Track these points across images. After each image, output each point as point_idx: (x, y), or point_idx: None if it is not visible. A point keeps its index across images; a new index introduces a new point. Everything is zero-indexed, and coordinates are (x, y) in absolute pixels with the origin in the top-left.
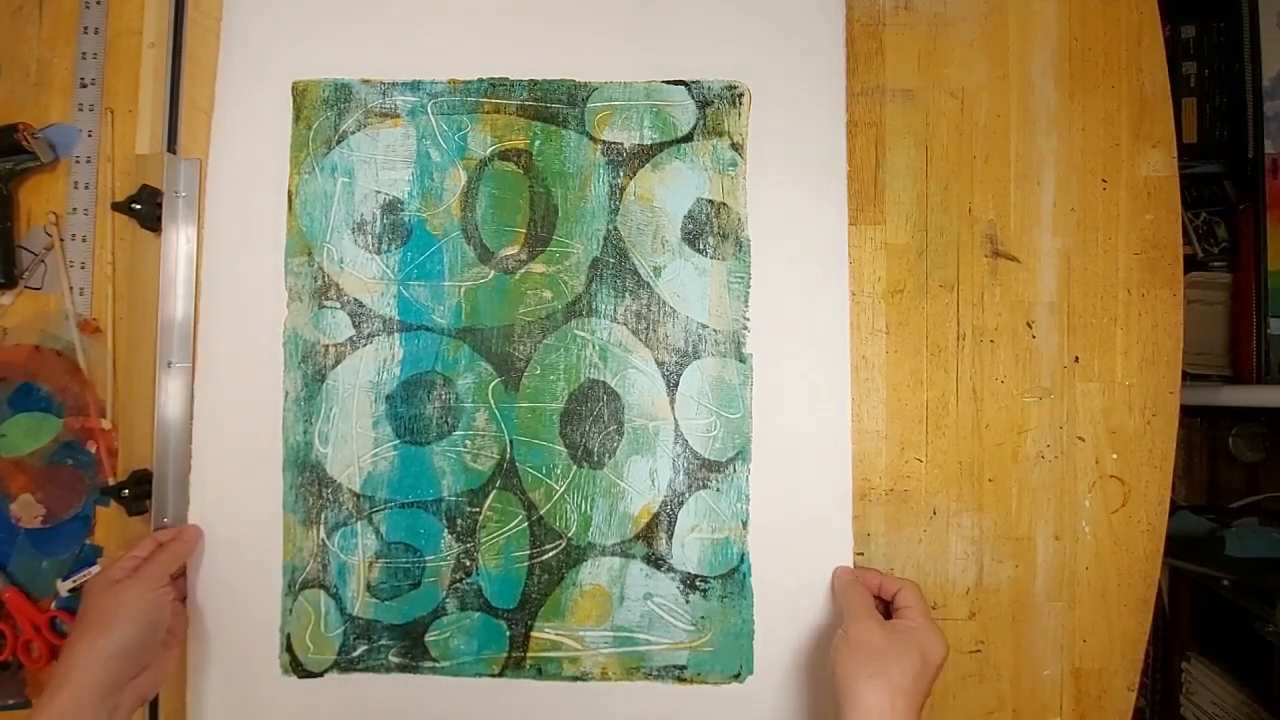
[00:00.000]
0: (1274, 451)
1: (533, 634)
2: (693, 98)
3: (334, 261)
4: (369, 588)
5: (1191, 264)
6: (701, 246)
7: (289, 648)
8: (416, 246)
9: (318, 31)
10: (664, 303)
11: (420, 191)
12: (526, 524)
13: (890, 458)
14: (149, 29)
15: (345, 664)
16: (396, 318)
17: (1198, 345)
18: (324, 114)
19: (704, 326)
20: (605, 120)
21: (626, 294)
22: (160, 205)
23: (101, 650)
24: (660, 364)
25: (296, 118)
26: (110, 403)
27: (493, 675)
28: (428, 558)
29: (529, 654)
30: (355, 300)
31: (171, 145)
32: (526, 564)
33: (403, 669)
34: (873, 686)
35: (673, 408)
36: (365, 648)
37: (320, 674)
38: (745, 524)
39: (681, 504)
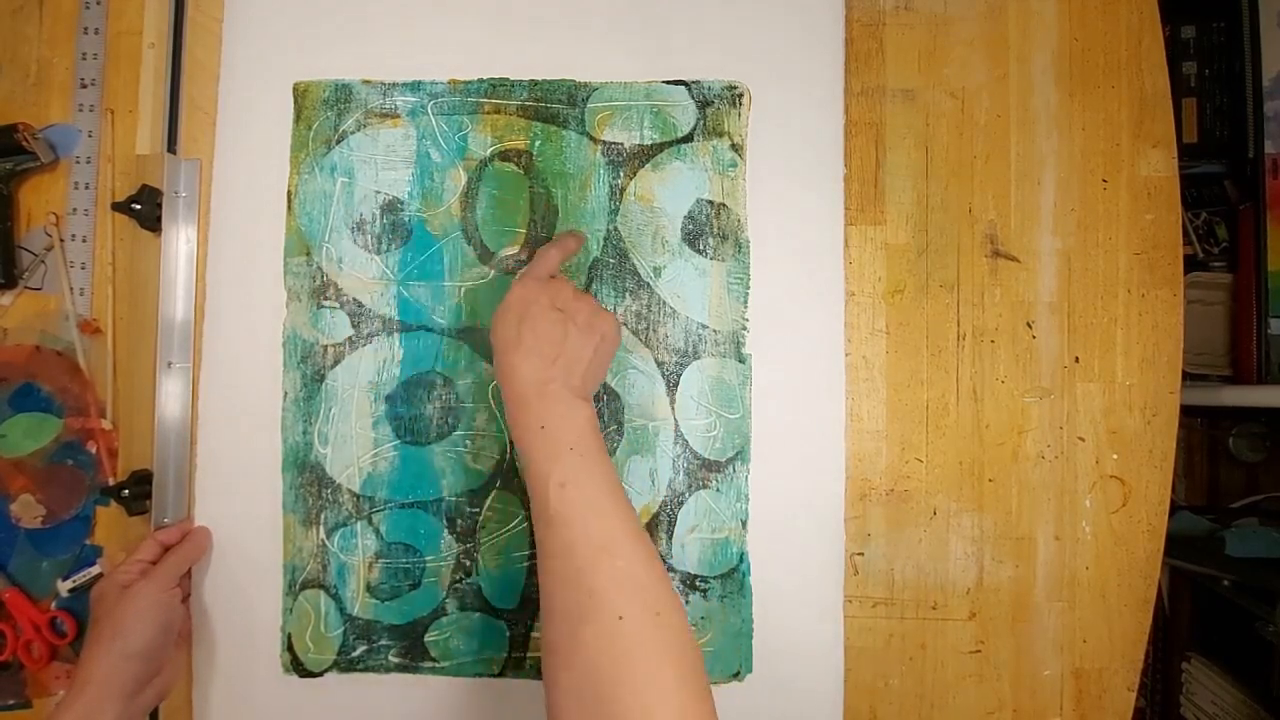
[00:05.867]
0: (1274, 451)
1: (533, 634)
2: (693, 98)
3: (333, 261)
4: (369, 588)
5: (1191, 264)
6: (701, 247)
7: (290, 647)
8: (416, 247)
9: (318, 32)
10: (664, 303)
11: (420, 192)
12: (526, 524)
13: (890, 458)
14: (149, 29)
15: (345, 664)
16: (396, 318)
17: (1198, 345)
18: (324, 114)
19: (704, 327)
20: (605, 120)
21: (626, 294)
22: (160, 205)
23: (120, 653)
24: (660, 364)
25: (297, 118)
26: (110, 403)
27: (493, 675)
28: (428, 558)
29: (529, 654)
30: (354, 300)
31: (171, 145)
32: (526, 564)
33: (402, 669)
34: None
35: (673, 408)
36: (365, 648)
37: (320, 674)
38: (744, 524)
39: (681, 504)
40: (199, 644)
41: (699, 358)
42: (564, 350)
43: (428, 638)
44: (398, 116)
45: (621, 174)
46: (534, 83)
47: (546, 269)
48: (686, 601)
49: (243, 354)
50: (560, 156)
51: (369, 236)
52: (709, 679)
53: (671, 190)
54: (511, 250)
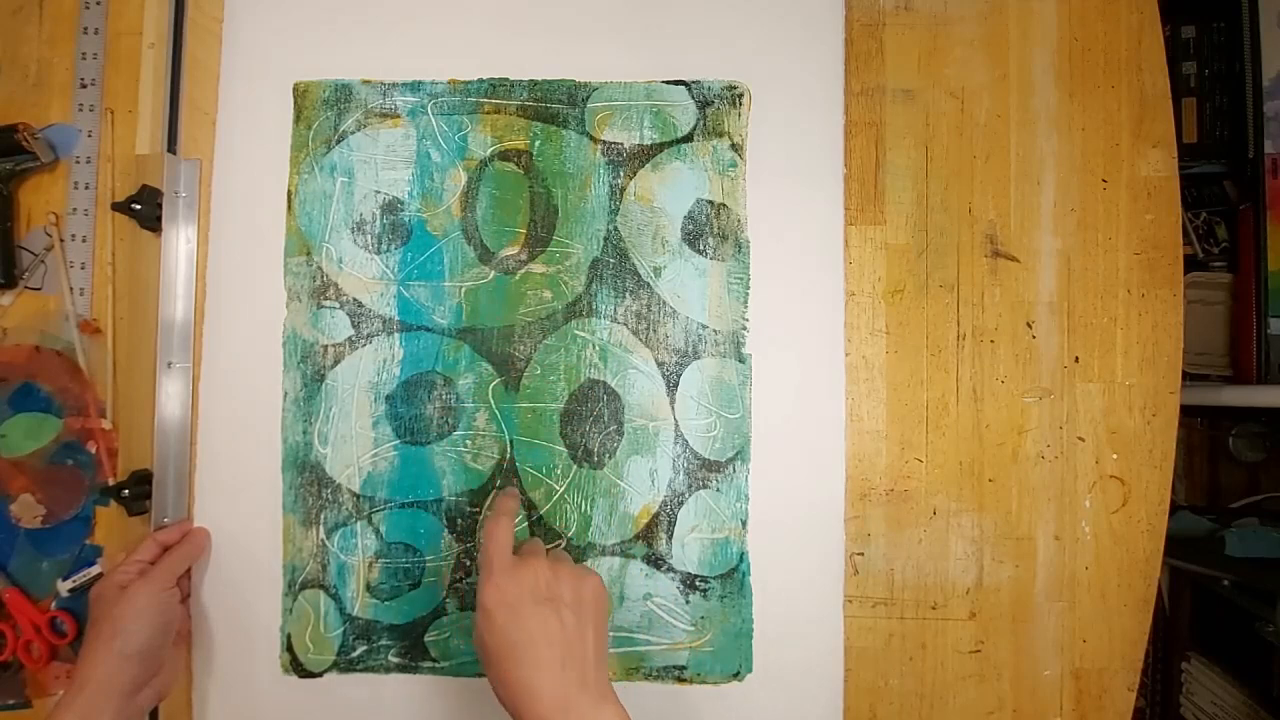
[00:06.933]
0: (1274, 451)
1: None
2: (693, 98)
3: (332, 261)
4: (369, 588)
5: (1191, 264)
6: (701, 247)
7: (289, 648)
8: (416, 247)
9: (318, 32)
10: (664, 303)
11: (420, 192)
12: (526, 524)
13: (890, 458)
14: (149, 29)
15: (345, 664)
16: (396, 318)
17: (1198, 345)
18: (324, 114)
19: (704, 327)
20: (605, 120)
21: (626, 294)
22: (160, 205)
23: (118, 653)
24: (660, 364)
25: (297, 118)
26: (110, 403)
27: None
28: (428, 558)
29: None
30: (354, 300)
31: (171, 145)
32: None
33: (402, 669)
34: None
35: (673, 408)
36: (365, 648)
37: (320, 674)
38: (745, 524)
39: (681, 504)
40: (199, 644)
41: (699, 358)
42: (568, 647)
43: (428, 638)
44: (398, 116)
45: (621, 174)
46: (534, 83)
47: (506, 552)
48: (686, 601)
49: (243, 354)
50: (560, 156)
51: (369, 236)
52: (710, 680)
53: (671, 190)
54: (511, 250)
